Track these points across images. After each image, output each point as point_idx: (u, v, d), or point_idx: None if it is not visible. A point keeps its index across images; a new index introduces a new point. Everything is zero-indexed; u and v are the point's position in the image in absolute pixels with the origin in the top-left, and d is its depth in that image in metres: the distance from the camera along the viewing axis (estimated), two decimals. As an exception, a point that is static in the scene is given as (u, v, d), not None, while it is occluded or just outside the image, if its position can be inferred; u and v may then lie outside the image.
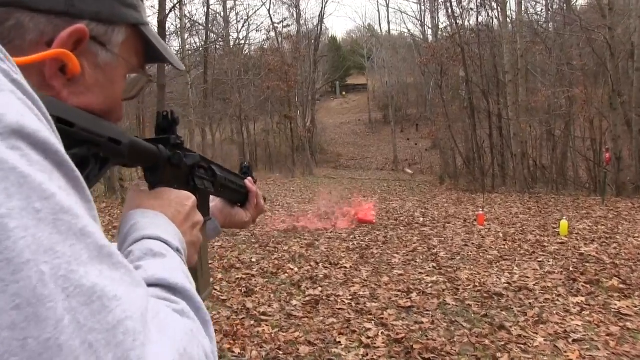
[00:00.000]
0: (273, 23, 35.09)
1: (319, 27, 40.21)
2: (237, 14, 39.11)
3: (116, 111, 0.74)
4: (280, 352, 4.10)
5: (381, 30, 52.99)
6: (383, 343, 4.23)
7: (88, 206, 0.45)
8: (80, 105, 0.64)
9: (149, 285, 0.56)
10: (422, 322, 4.68)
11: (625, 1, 18.76)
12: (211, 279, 1.09)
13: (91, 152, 0.61)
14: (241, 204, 1.28)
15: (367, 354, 4.03)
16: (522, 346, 4.09)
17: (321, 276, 6.37)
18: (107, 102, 0.70)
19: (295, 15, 36.29)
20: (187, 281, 0.62)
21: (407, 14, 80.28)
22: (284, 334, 4.47)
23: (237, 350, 4.13)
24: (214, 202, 1.21)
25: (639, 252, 7.26)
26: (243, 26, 42.57)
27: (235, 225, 1.27)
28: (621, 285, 5.62)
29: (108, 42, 0.69)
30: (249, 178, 1.30)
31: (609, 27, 15.56)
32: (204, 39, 32.39)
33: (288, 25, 35.80)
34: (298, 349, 4.15)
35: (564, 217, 9.66)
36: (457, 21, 23.01)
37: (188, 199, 0.81)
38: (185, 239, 0.75)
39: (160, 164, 0.81)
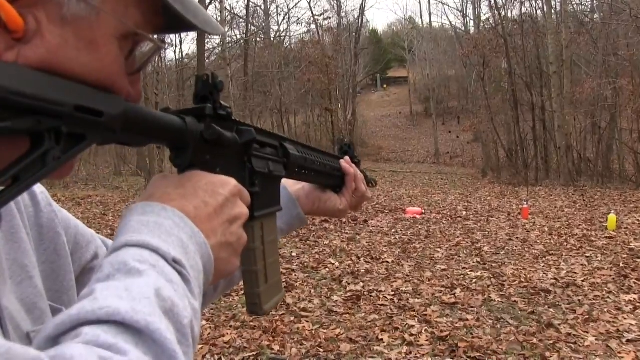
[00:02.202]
0: (314, 15, 35.09)
1: (360, 20, 39.95)
2: (277, 7, 39.36)
3: (116, 86, 0.56)
4: (321, 350, 4.05)
5: (422, 23, 52.48)
6: (427, 341, 4.16)
7: None
8: (40, 69, 0.49)
9: (96, 322, 0.42)
10: (467, 319, 4.59)
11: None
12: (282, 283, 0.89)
13: (44, 126, 0.46)
14: (339, 189, 1.10)
15: (410, 352, 3.96)
16: (572, 345, 3.97)
17: (362, 271, 6.32)
18: (91, 72, 0.53)
19: (335, 8, 36.20)
20: (157, 314, 0.44)
21: (448, 6, 79.15)
22: (325, 331, 4.42)
23: (276, 348, 4.09)
24: (300, 184, 1.06)
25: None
26: (283, 19, 42.80)
27: (326, 213, 1.09)
28: (674, 282, 5.42)
29: None
30: (347, 158, 1.11)
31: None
32: (244, 31, 32.60)
33: (329, 18, 35.75)
34: (339, 347, 4.10)
35: (612, 211, 9.37)
36: (500, 12, 22.61)
37: (224, 185, 0.64)
38: (216, 239, 0.60)
39: (189, 141, 0.64)
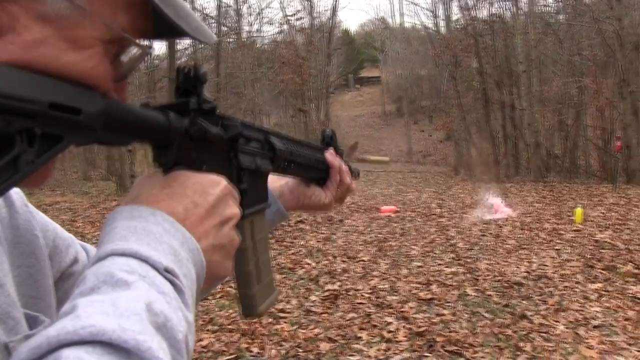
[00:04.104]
0: (286, 16, 35.01)
1: (332, 20, 40.01)
2: (249, 7, 39.12)
3: (100, 90, 0.52)
4: (300, 350, 4.07)
5: (394, 23, 52.85)
6: (405, 337, 4.24)
7: None
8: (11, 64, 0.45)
9: (79, 342, 0.37)
10: (444, 314, 4.69)
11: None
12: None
13: (15, 126, 0.41)
14: (323, 182, 1.06)
15: (389, 349, 4.03)
16: (544, 335, 4.11)
17: (339, 270, 6.39)
18: (73, 73, 0.49)
19: (307, 8, 36.20)
20: (148, 332, 0.40)
21: (420, 6, 79.73)
22: (303, 331, 4.45)
23: (255, 350, 4.09)
24: (283, 180, 1.02)
25: (650, 237, 7.31)
26: (255, 19, 42.56)
27: (311, 208, 1.05)
28: (635, 270, 5.69)
29: None
30: (330, 150, 1.07)
31: (618, 18, 15.67)
32: (216, 32, 32.36)
33: (301, 18, 35.70)
34: (318, 346, 4.13)
35: (579, 205, 9.66)
36: (470, 12, 22.92)
37: (214, 185, 0.60)
38: (208, 243, 0.57)
39: (173, 138, 0.59)
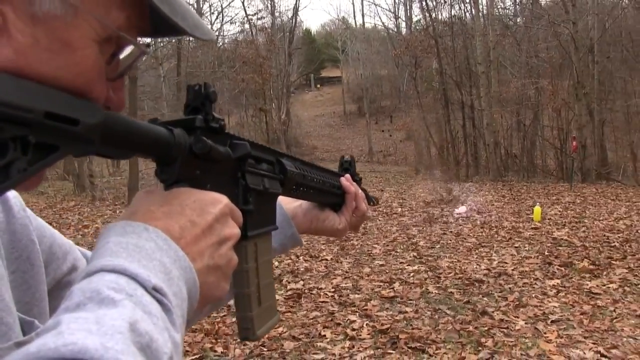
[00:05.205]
0: (247, 15, 34.84)
1: (294, 20, 40.04)
2: (210, 6, 38.80)
3: (95, 92, 0.51)
4: (265, 349, 4.07)
5: (355, 23, 53.12)
6: (368, 334, 4.27)
7: None
8: (6, 70, 0.44)
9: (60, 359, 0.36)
10: (406, 312, 4.74)
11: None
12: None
13: (8, 133, 0.41)
14: (338, 207, 1.04)
15: (353, 346, 4.05)
16: (505, 330, 4.18)
17: (302, 269, 6.39)
18: (66, 76, 0.48)
19: (269, 8, 36.10)
20: (130, 352, 0.39)
21: (381, 7, 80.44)
22: (267, 330, 4.44)
23: (219, 350, 4.07)
24: (297, 202, 1.00)
25: (604, 234, 7.58)
26: (217, 18, 42.20)
27: (323, 232, 1.03)
28: (591, 266, 5.87)
29: None
30: (347, 176, 1.06)
31: (573, 22, 16.16)
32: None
33: (262, 18, 35.59)
34: (283, 345, 4.13)
35: (537, 204, 9.88)
36: (431, 14, 23.23)
37: (214, 203, 0.58)
38: (202, 263, 0.55)
39: (176, 154, 0.58)
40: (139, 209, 0.55)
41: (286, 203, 0.98)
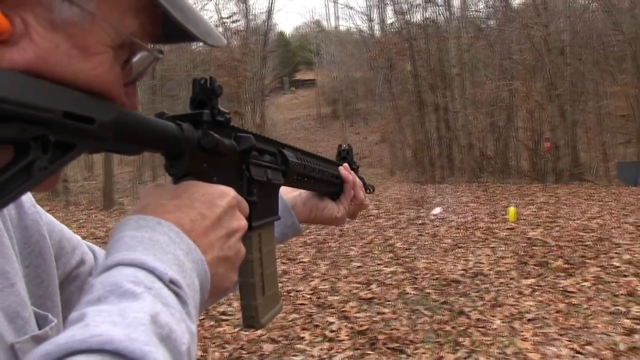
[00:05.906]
0: (221, 18, 34.69)
1: (268, 23, 39.99)
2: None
3: (111, 95, 0.53)
4: (244, 352, 4.06)
5: (329, 26, 53.27)
6: (347, 336, 4.27)
7: None
8: (27, 73, 0.45)
9: (87, 351, 0.38)
10: (384, 313, 4.75)
11: (557, 2, 19.69)
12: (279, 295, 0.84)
13: (30, 134, 0.42)
14: (337, 196, 1.06)
15: (332, 348, 4.05)
16: (482, 329, 4.22)
17: (280, 272, 6.36)
18: (84, 80, 0.50)
19: (243, 11, 35.99)
20: (153, 343, 0.40)
21: (355, 10, 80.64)
22: (246, 333, 4.41)
23: (198, 353, 4.04)
24: (297, 191, 1.02)
25: (578, 234, 7.69)
26: (189, 22, 41.95)
27: (323, 221, 1.06)
28: (565, 265, 5.95)
29: None
30: (345, 165, 1.08)
31: (545, 24, 16.44)
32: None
33: (236, 21, 35.45)
34: (262, 347, 4.12)
35: (512, 204, 10.01)
36: (405, 16, 23.37)
37: (222, 196, 0.60)
38: (213, 254, 0.57)
39: (185, 148, 0.60)
40: (150, 202, 0.56)
41: (286, 193, 1.00)
